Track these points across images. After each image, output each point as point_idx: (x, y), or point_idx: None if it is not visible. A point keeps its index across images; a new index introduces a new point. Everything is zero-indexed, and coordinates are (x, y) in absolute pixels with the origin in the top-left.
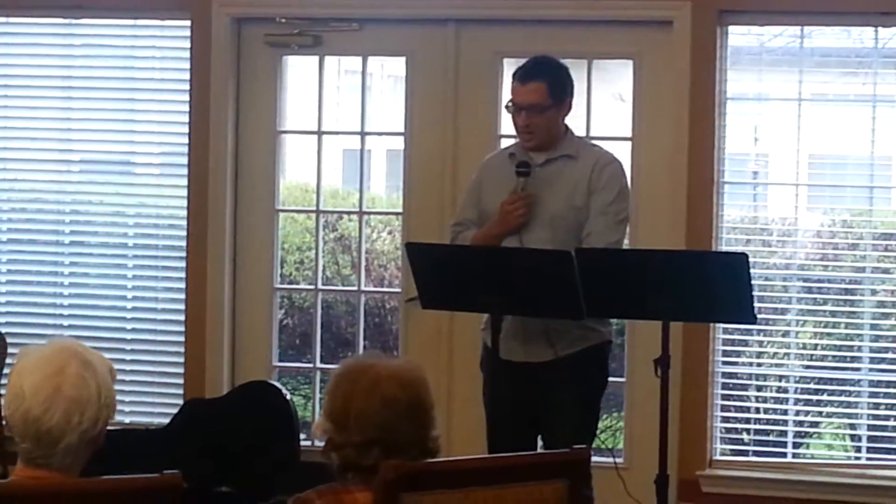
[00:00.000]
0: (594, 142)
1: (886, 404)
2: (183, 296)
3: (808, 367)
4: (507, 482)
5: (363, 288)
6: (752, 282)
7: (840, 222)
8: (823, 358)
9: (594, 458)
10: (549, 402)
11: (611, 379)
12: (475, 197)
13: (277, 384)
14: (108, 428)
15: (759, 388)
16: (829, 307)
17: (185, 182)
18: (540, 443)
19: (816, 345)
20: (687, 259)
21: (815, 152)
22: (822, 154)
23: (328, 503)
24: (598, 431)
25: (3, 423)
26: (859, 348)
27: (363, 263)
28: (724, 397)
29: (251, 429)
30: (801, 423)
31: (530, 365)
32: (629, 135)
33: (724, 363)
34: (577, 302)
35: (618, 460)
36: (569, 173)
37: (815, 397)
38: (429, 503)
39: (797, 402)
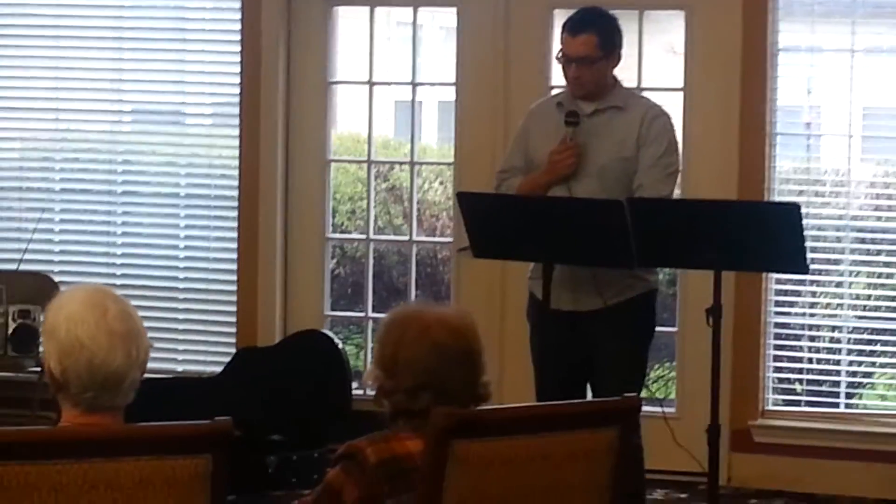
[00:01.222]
0: (645, 93)
1: None
2: (235, 245)
3: (861, 317)
4: (558, 429)
5: (415, 238)
6: (805, 232)
7: (894, 173)
8: (877, 308)
9: (645, 408)
10: (597, 350)
11: (663, 328)
12: (523, 145)
13: (329, 333)
14: (163, 376)
15: (811, 339)
16: (882, 258)
17: (236, 132)
18: (589, 392)
19: (870, 295)
20: (739, 209)
21: (869, 104)
22: (875, 105)
23: (379, 451)
24: (648, 381)
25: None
26: None
27: (415, 213)
28: (777, 347)
29: (303, 378)
30: (853, 374)
31: (579, 313)
32: (681, 86)
33: (777, 313)
34: (629, 250)
35: (669, 410)
36: (617, 125)
37: (868, 348)
38: (480, 450)
39: (850, 352)
